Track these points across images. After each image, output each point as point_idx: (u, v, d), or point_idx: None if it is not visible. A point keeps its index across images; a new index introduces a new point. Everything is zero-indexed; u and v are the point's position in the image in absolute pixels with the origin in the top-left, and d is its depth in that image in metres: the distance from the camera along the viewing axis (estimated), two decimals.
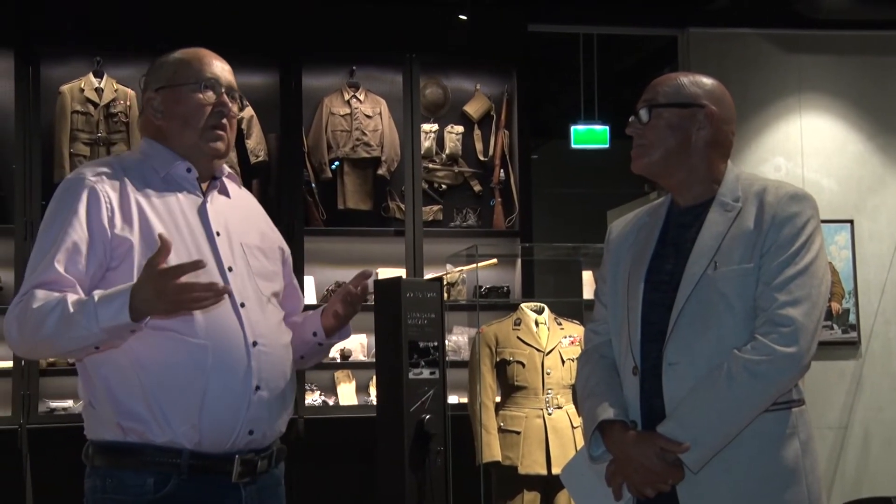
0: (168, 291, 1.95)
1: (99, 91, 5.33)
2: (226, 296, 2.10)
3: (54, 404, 5.13)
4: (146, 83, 2.31)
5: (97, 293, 2.02)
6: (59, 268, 2.07)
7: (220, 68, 2.31)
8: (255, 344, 2.18)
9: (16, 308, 2.08)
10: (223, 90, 2.28)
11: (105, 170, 2.19)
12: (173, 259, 2.05)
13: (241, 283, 2.22)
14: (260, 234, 2.36)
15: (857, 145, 6.07)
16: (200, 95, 2.26)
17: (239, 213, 2.33)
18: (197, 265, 1.98)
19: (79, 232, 2.10)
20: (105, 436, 2.13)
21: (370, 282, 2.46)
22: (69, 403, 5.15)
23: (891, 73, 6.11)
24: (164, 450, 2.09)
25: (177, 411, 2.09)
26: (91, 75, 5.35)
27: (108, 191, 2.14)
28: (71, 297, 2.03)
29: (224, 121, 2.28)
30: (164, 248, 1.97)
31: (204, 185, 2.29)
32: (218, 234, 2.23)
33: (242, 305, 2.19)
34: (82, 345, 2.03)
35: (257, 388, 2.16)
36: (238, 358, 2.15)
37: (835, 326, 5.88)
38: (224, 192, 2.33)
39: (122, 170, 2.20)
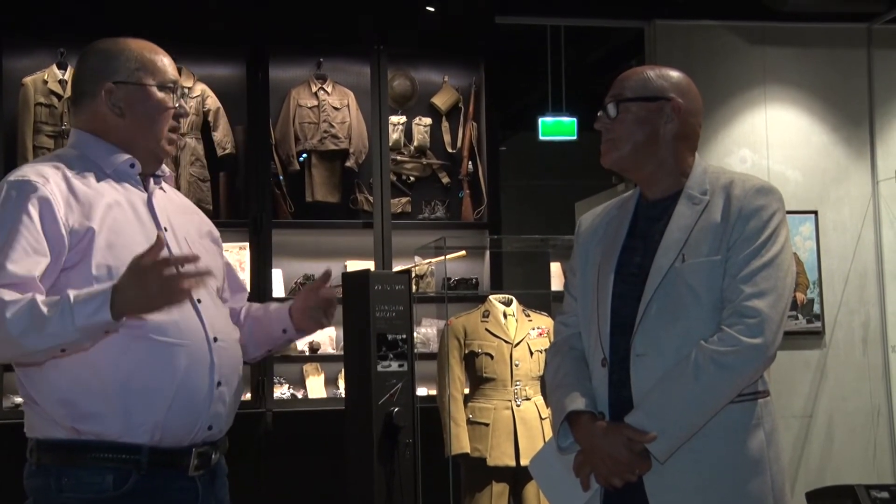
0: (155, 283, 1.91)
1: (63, 83, 5.27)
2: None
3: (19, 400, 5.07)
4: (93, 71, 2.22)
5: (72, 292, 1.94)
6: (18, 269, 1.98)
7: (174, 67, 2.27)
8: (215, 340, 2.17)
9: None
10: (180, 92, 2.27)
11: (48, 169, 2.10)
12: (136, 254, 2.01)
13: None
14: (196, 228, 2.33)
15: (822, 137, 6.12)
16: (164, 97, 2.22)
17: (175, 207, 2.30)
18: (188, 259, 1.96)
19: (33, 234, 2.01)
20: (55, 434, 2.07)
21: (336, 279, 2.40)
22: None
23: (855, 66, 6.17)
24: (123, 447, 2.05)
25: (142, 410, 2.05)
26: (55, 67, 5.29)
27: (56, 191, 2.07)
28: (40, 297, 1.96)
29: (179, 124, 2.27)
30: (158, 245, 1.93)
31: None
32: (165, 229, 2.20)
33: (199, 302, 2.17)
34: (50, 345, 1.95)
35: (218, 384, 2.15)
36: (203, 355, 2.13)
37: (799, 316, 5.94)
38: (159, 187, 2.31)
39: (65, 167, 2.13)
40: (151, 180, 2.26)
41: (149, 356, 2.07)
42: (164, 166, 2.30)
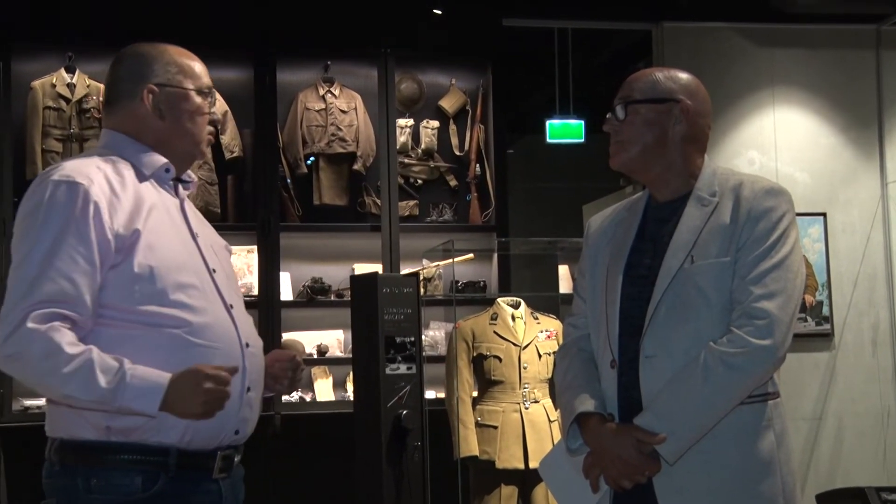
0: (207, 395, 2.00)
1: (71, 87, 5.29)
2: (219, 297, 2.15)
3: (28, 402, 5.09)
4: (132, 73, 2.23)
5: (128, 367, 1.97)
6: (67, 286, 1.99)
7: (208, 74, 2.30)
8: (247, 345, 2.18)
9: (25, 334, 1.95)
10: (213, 99, 2.30)
11: (91, 169, 2.10)
12: (178, 258, 2.10)
13: (225, 285, 2.21)
14: (215, 239, 2.35)
15: (830, 139, 6.11)
16: (202, 102, 2.26)
17: (195, 216, 2.32)
18: (233, 371, 2.06)
19: (84, 241, 2.02)
20: (83, 434, 2.07)
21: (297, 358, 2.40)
22: (42, 402, 5.08)
23: (863, 67, 6.15)
24: (151, 449, 2.06)
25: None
26: (63, 71, 5.31)
27: (100, 193, 2.06)
28: (97, 356, 1.96)
29: (213, 129, 2.31)
30: (233, 370, 2.05)
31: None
32: (197, 235, 2.22)
33: (231, 307, 2.19)
34: (85, 404, 2.00)
35: (248, 389, 2.17)
36: (236, 360, 2.14)
37: (808, 319, 5.92)
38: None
39: (106, 167, 2.13)
40: (181, 187, 2.28)
41: (186, 358, 2.07)
42: (191, 173, 2.33)
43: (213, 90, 2.30)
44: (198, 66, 2.28)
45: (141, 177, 2.17)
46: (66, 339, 1.96)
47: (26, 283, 1.99)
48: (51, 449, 2.12)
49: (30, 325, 1.95)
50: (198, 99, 2.25)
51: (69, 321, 1.99)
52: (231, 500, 2.21)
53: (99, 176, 2.09)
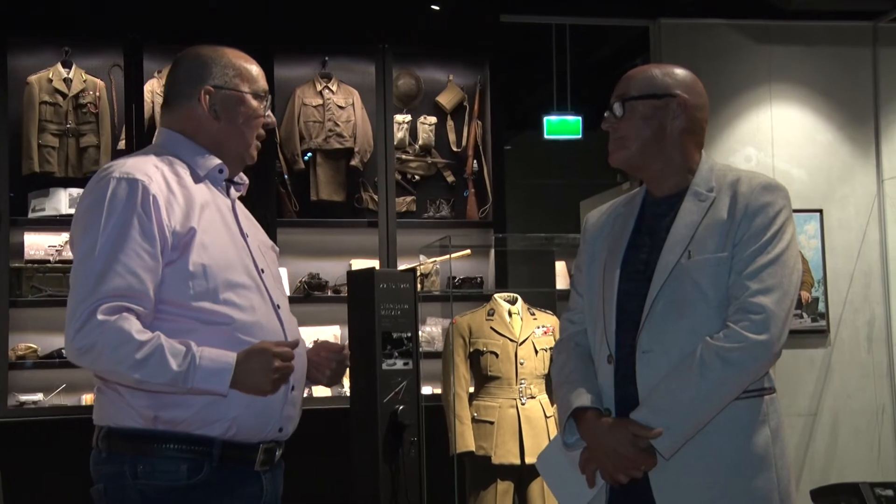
0: (274, 372, 2.07)
1: (67, 81, 5.28)
2: (268, 296, 2.20)
3: (24, 398, 5.08)
4: (191, 74, 2.26)
5: (196, 350, 2.03)
6: (133, 281, 2.04)
7: (264, 77, 2.33)
8: None
9: (96, 325, 2.00)
10: (268, 103, 2.33)
11: (149, 167, 2.14)
12: (230, 257, 2.15)
13: (273, 286, 2.25)
14: (263, 239, 2.39)
15: (827, 135, 6.12)
16: (258, 105, 2.29)
17: (245, 216, 2.36)
18: (293, 345, 2.12)
19: (148, 237, 2.06)
20: (130, 423, 2.12)
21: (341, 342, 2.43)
22: (39, 397, 5.10)
23: (860, 64, 6.17)
24: (196, 439, 2.11)
25: (223, 404, 2.10)
26: (59, 65, 5.31)
27: (158, 191, 2.10)
28: (165, 341, 2.02)
29: (265, 133, 2.35)
30: (292, 344, 2.12)
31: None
32: (247, 235, 2.26)
33: (278, 307, 2.24)
34: (158, 388, 2.04)
35: (293, 387, 2.22)
36: None
37: (804, 315, 5.93)
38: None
39: (164, 166, 2.18)
40: (232, 188, 2.32)
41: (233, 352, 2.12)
42: (243, 175, 2.37)
43: (269, 94, 2.33)
44: (255, 70, 2.31)
45: (195, 177, 2.22)
46: (135, 328, 2.02)
47: (93, 277, 2.04)
48: (98, 437, 2.17)
49: (99, 317, 2.01)
50: (254, 102, 2.28)
51: (134, 314, 2.04)
52: (272, 493, 2.26)
53: (157, 174, 2.14)
